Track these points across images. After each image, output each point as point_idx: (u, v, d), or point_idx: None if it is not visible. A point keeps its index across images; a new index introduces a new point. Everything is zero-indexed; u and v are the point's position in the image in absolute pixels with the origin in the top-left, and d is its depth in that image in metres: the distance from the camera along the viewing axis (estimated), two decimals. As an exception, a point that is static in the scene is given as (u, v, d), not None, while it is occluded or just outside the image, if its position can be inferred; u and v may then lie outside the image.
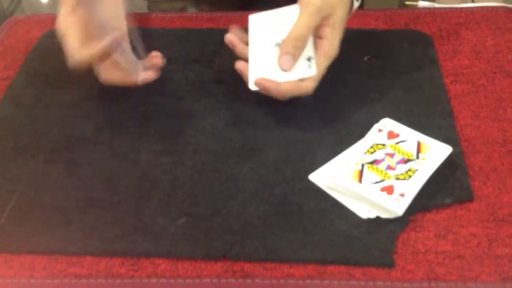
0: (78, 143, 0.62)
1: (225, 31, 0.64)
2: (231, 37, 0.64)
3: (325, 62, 0.61)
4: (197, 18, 0.79)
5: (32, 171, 0.59)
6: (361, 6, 0.91)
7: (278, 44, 0.61)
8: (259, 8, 0.66)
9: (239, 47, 0.64)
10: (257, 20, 0.64)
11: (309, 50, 0.60)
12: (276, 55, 0.61)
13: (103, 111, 0.65)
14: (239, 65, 0.63)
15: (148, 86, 0.68)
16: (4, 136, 0.63)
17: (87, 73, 0.63)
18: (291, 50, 0.59)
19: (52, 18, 0.80)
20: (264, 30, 0.63)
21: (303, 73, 0.60)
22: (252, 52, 0.62)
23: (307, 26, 0.60)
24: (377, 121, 0.61)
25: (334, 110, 0.64)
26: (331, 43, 0.61)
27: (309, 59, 0.60)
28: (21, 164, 0.60)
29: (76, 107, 0.66)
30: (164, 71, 0.63)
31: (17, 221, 0.54)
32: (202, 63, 0.64)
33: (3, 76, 0.71)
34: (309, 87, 0.60)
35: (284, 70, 0.59)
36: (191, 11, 0.88)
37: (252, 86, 0.61)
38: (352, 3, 0.64)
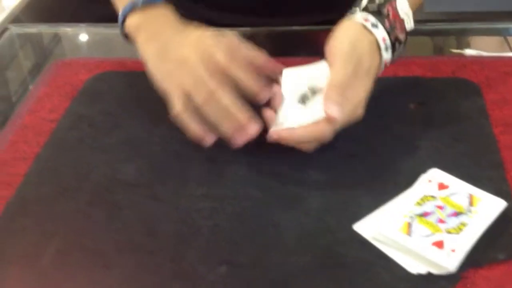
0: (120, 186, 0.61)
1: None
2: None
3: (348, 107, 0.59)
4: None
5: (74, 213, 0.59)
6: None
7: (302, 96, 0.62)
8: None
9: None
10: (289, 74, 0.64)
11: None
12: (299, 108, 0.61)
13: (145, 155, 0.65)
14: (267, 113, 0.61)
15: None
16: (47, 177, 0.63)
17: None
18: (336, 98, 0.59)
19: (98, 62, 0.82)
20: (293, 85, 0.63)
21: (318, 114, 0.59)
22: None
23: (344, 73, 0.59)
24: (424, 170, 0.59)
25: (379, 158, 0.63)
26: (357, 91, 0.60)
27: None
28: (63, 206, 0.60)
29: (119, 150, 0.66)
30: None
31: (58, 263, 0.54)
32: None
33: (49, 118, 0.72)
34: (325, 129, 0.59)
35: (334, 119, 0.58)
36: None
37: (270, 138, 0.61)
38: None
